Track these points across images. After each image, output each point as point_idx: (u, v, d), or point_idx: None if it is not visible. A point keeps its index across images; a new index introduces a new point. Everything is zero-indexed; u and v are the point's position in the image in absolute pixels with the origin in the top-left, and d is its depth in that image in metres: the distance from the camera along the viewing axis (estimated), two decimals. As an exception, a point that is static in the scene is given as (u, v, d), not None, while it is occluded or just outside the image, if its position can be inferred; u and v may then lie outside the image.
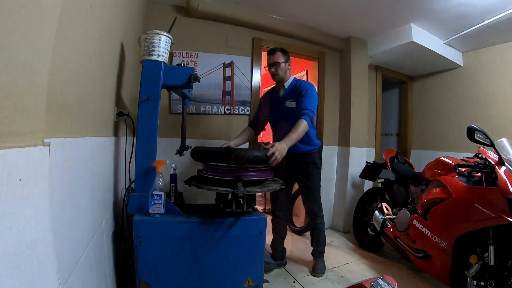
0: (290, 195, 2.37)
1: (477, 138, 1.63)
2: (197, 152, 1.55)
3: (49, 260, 0.62)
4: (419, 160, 3.30)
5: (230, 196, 1.39)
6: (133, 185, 1.46)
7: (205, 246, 1.37)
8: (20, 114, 0.54)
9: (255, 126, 2.18)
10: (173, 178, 1.51)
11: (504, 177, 1.53)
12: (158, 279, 1.29)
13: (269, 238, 1.52)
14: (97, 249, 1.12)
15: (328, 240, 2.90)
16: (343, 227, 3.14)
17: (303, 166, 2.06)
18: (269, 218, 1.52)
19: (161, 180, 1.34)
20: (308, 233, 2.41)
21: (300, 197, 3.09)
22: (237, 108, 2.69)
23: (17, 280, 0.51)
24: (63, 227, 0.75)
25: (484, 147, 1.74)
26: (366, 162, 2.95)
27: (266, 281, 1.86)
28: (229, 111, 2.68)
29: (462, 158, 2.02)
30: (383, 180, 2.71)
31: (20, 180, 0.52)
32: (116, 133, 1.51)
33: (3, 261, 0.47)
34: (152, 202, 1.30)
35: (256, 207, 1.53)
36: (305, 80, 2.08)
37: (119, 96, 1.54)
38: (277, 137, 2.04)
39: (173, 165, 1.55)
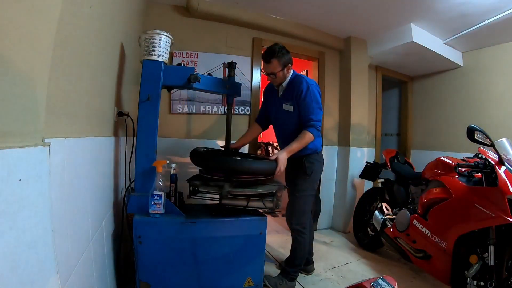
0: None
1: (477, 138, 1.63)
2: (196, 156, 1.54)
3: (49, 260, 0.62)
4: (419, 160, 3.30)
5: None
6: (133, 185, 1.46)
7: (205, 246, 1.37)
8: (20, 114, 0.55)
9: (261, 120, 2.06)
10: (173, 178, 1.51)
11: (504, 177, 1.53)
12: (158, 279, 1.29)
13: (269, 238, 1.52)
14: (97, 249, 1.12)
15: (328, 240, 2.90)
16: (343, 227, 3.14)
17: (293, 170, 1.86)
18: (269, 218, 1.52)
19: (161, 180, 1.34)
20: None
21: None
22: (237, 108, 2.69)
23: (17, 280, 0.51)
24: (63, 227, 0.76)
25: (484, 147, 1.74)
26: (366, 162, 2.95)
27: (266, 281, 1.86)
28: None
29: (462, 158, 2.02)
30: (383, 180, 2.71)
31: (20, 180, 0.52)
32: (116, 133, 1.51)
33: (3, 261, 0.47)
34: (152, 202, 1.31)
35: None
36: (304, 76, 1.85)
37: (119, 96, 1.54)
38: (278, 138, 1.99)
39: (173, 165, 1.55)
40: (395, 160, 2.64)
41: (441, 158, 2.08)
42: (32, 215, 0.56)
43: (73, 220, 0.86)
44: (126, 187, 1.57)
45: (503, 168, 1.57)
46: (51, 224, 0.63)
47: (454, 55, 3.17)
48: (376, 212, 2.53)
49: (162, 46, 1.41)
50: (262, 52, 2.75)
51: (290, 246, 1.91)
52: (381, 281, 1.19)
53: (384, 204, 2.57)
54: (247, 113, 2.72)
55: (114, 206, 1.50)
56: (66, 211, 0.79)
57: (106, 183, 1.34)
